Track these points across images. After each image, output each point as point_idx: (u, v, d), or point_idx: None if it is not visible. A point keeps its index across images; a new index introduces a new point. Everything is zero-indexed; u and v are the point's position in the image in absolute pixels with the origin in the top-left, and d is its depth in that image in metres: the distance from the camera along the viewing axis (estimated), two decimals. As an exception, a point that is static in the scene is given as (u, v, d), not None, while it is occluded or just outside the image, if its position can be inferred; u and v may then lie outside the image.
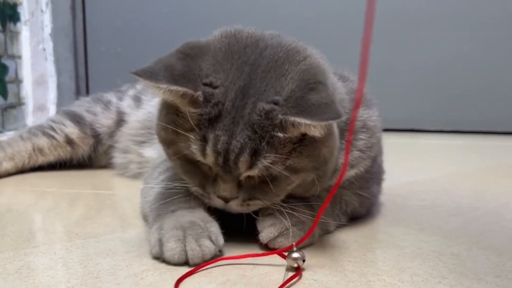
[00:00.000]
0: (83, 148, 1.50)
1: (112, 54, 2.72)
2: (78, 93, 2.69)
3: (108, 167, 1.53)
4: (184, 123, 0.81)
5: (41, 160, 1.49)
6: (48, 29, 2.45)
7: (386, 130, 2.80)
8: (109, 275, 0.76)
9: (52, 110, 2.48)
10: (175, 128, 0.82)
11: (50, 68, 2.48)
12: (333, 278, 0.77)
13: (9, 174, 1.45)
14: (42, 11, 2.42)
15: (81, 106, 1.55)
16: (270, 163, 0.79)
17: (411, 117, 2.66)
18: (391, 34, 2.60)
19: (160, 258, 0.81)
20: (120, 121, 1.51)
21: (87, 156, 1.52)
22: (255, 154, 0.79)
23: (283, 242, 0.86)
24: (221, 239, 0.83)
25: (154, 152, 1.36)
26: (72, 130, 1.48)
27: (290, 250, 0.80)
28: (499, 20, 2.53)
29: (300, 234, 0.87)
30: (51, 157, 1.49)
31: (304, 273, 0.78)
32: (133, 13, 2.69)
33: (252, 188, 0.84)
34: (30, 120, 2.36)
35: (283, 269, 0.80)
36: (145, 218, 0.99)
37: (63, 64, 2.59)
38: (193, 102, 0.80)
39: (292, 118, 0.77)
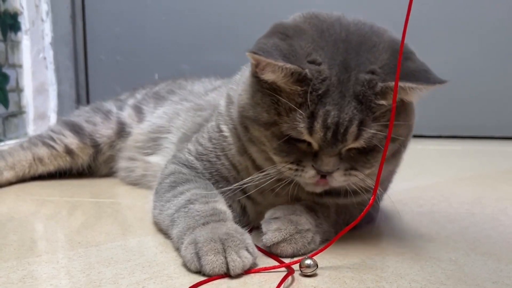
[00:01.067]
0: (83, 158, 1.51)
1: (111, 62, 2.74)
2: (78, 101, 2.71)
3: (108, 176, 1.54)
4: (286, 103, 0.83)
5: (41, 169, 1.50)
6: (48, 38, 2.47)
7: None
8: (111, 284, 0.77)
9: (52, 118, 2.49)
10: (277, 107, 0.84)
11: (50, 76, 2.50)
12: (332, 285, 0.78)
13: (10, 183, 1.46)
14: (42, 20, 2.44)
15: (81, 116, 1.56)
16: (373, 133, 0.83)
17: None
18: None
19: (199, 272, 0.80)
20: (120, 131, 1.52)
21: (87, 166, 1.53)
22: (361, 125, 0.82)
23: (285, 248, 0.88)
24: (256, 250, 0.85)
25: (160, 158, 1.37)
26: (71, 140, 1.49)
27: (303, 258, 0.81)
28: (498, 26, 2.55)
29: (303, 242, 0.89)
30: (51, 167, 1.50)
31: (304, 280, 0.79)
32: (132, 21, 2.71)
33: (351, 159, 0.87)
34: (31, 128, 2.37)
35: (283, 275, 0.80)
36: (163, 230, 0.98)
37: (63, 73, 2.60)
38: (300, 80, 0.82)
39: (391, 84, 0.81)
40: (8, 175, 1.45)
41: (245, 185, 0.95)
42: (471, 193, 1.45)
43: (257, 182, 0.93)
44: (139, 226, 1.09)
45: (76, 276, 0.81)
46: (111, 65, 2.74)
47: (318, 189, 0.92)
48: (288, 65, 0.81)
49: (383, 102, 0.82)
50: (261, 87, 0.87)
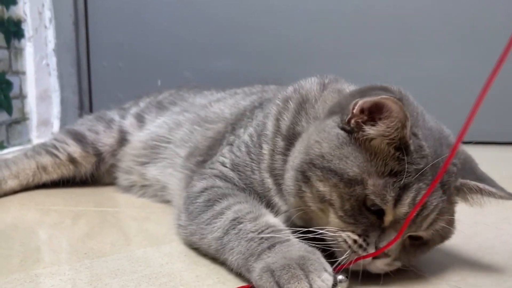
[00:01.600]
0: (86, 167, 1.52)
1: (114, 68, 2.75)
2: (81, 108, 2.72)
3: (111, 184, 1.55)
4: (382, 165, 0.79)
5: (45, 178, 1.51)
6: (51, 45, 2.48)
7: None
8: (118, 296, 0.78)
9: (56, 125, 2.50)
10: (369, 168, 0.80)
11: (53, 83, 2.51)
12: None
13: (14, 191, 1.47)
14: (45, 27, 2.45)
15: (84, 124, 1.57)
16: (444, 225, 0.83)
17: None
18: (389, 45, 2.63)
19: None
20: (122, 140, 1.52)
21: (90, 174, 1.54)
22: (439, 214, 0.81)
23: None
24: (330, 267, 0.79)
25: (159, 171, 1.37)
26: (74, 149, 1.50)
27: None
28: (501, 31, 2.55)
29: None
30: (54, 175, 1.51)
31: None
32: (134, 29, 2.72)
33: (402, 250, 0.83)
34: (34, 135, 2.38)
35: None
36: (212, 255, 0.91)
37: (66, 79, 2.61)
38: (400, 147, 0.79)
39: (473, 183, 0.85)
40: (12, 183, 1.46)
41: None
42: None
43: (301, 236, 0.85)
44: (144, 236, 1.10)
45: (83, 288, 0.81)
46: (113, 72, 2.75)
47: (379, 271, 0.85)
48: (402, 114, 0.77)
49: (456, 197, 0.85)
50: (353, 141, 0.82)
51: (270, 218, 0.88)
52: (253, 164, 1.01)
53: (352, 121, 0.82)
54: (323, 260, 0.79)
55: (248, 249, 0.81)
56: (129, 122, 1.54)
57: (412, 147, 0.79)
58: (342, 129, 0.84)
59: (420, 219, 0.80)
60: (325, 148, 0.84)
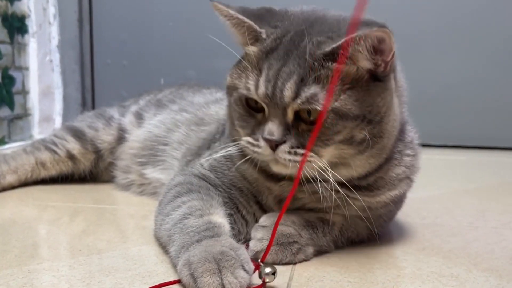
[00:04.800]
0: (85, 164, 1.51)
1: (118, 66, 2.75)
2: (84, 105, 2.72)
3: (110, 182, 1.54)
4: (246, 65, 0.89)
5: (43, 174, 1.50)
6: (55, 41, 2.48)
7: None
8: (110, 294, 0.77)
9: (58, 121, 2.50)
10: (237, 69, 0.91)
11: (56, 79, 2.51)
12: (332, 299, 0.78)
13: (12, 187, 1.47)
14: (49, 23, 2.45)
15: (83, 121, 1.56)
16: (313, 94, 0.82)
17: (415, 132, 2.65)
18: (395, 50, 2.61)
19: None
20: (121, 137, 1.52)
21: (89, 171, 1.53)
22: (301, 82, 0.83)
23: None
24: (251, 265, 0.81)
25: (159, 173, 1.36)
26: (73, 145, 1.50)
27: (261, 266, 0.81)
28: (505, 37, 2.53)
29: (284, 253, 0.91)
30: (53, 172, 1.51)
31: (304, 294, 0.79)
32: (139, 26, 2.72)
33: (299, 135, 0.86)
34: (36, 131, 2.38)
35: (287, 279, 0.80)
36: (163, 245, 0.95)
37: (69, 76, 2.61)
38: (256, 39, 0.89)
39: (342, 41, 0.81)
40: (11, 179, 1.45)
41: (218, 155, 1.00)
42: (475, 205, 1.44)
43: (230, 153, 0.96)
44: (140, 234, 1.09)
45: (76, 285, 0.80)
46: (117, 69, 2.75)
47: (281, 169, 0.89)
48: (241, 17, 0.88)
49: (334, 66, 0.82)
50: (240, 58, 0.93)
51: (215, 217, 0.91)
52: (228, 162, 1.04)
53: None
54: (244, 256, 0.81)
55: (181, 242, 0.85)
56: (128, 120, 1.53)
57: (263, 36, 0.89)
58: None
59: (280, 89, 0.84)
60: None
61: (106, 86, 2.76)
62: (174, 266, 0.85)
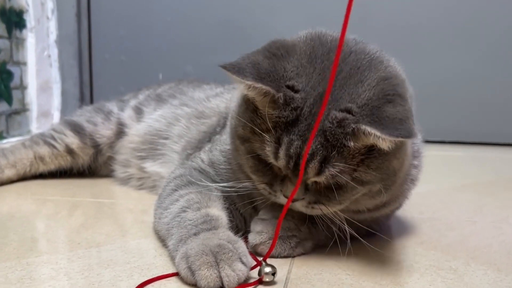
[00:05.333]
0: (83, 158, 1.51)
1: (116, 61, 2.74)
2: (82, 100, 2.71)
3: (109, 176, 1.54)
4: (261, 123, 0.82)
5: (42, 168, 1.50)
6: (53, 36, 2.47)
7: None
8: (109, 286, 0.77)
9: (56, 116, 2.49)
10: (252, 126, 0.83)
11: (54, 74, 2.50)
12: (331, 291, 0.78)
13: (11, 181, 1.47)
14: (48, 18, 2.44)
15: (82, 115, 1.56)
16: (338, 172, 0.80)
17: (413, 128, 2.66)
18: (392, 45, 2.61)
19: (195, 285, 0.77)
20: (120, 132, 1.51)
21: (87, 166, 1.53)
22: (324, 162, 0.79)
23: (264, 250, 0.89)
24: (250, 258, 0.82)
25: (158, 167, 1.36)
26: (72, 140, 1.49)
27: (261, 265, 0.80)
28: (503, 33, 2.54)
29: (283, 247, 0.91)
30: (51, 166, 1.50)
31: (303, 285, 0.79)
32: (137, 21, 2.71)
33: (318, 192, 0.85)
34: (34, 126, 2.37)
35: (283, 281, 0.80)
36: (162, 239, 0.95)
37: (67, 71, 2.60)
38: (273, 102, 0.81)
39: (363, 127, 0.76)
40: (9, 173, 1.45)
41: (224, 188, 0.96)
42: (472, 200, 1.44)
43: (237, 189, 0.93)
44: (139, 227, 1.09)
45: (75, 277, 0.81)
46: (115, 65, 2.74)
47: (306, 212, 0.90)
48: (258, 85, 0.79)
49: (353, 143, 0.78)
50: (247, 101, 0.86)
51: (213, 210, 0.91)
52: (226, 163, 1.03)
53: None
54: (242, 249, 0.81)
55: (179, 235, 0.85)
56: (127, 115, 1.53)
57: (281, 101, 0.80)
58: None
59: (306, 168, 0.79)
60: (233, 106, 0.93)
61: (104, 81, 2.75)
62: (173, 259, 0.85)
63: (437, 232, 1.11)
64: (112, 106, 1.57)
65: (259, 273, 0.79)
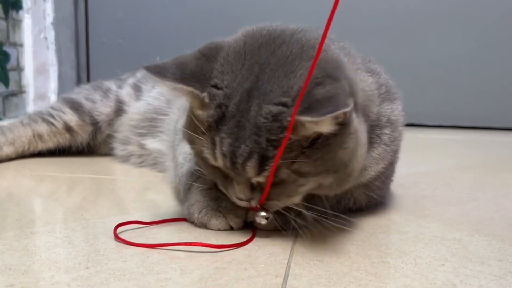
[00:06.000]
0: (82, 136, 1.50)
1: (113, 45, 2.72)
2: (79, 83, 2.69)
3: (108, 155, 1.53)
4: (199, 126, 0.79)
5: (40, 146, 1.49)
6: (50, 18, 2.45)
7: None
8: (115, 253, 0.77)
9: (53, 99, 2.48)
10: (192, 131, 0.81)
11: (51, 57, 2.49)
12: (337, 259, 0.78)
13: (9, 158, 1.46)
14: (44, 0, 2.42)
15: (80, 93, 1.54)
16: (277, 168, 0.76)
17: (411, 112, 2.66)
18: (391, 30, 2.61)
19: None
20: (119, 109, 1.50)
21: (86, 144, 1.52)
22: (263, 159, 0.75)
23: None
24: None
25: (159, 144, 1.36)
26: (70, 117, 1.48)
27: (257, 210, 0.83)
28: (500, 17, 2.54)
29: (285, 219, 0.86)
30: (50, 144, 1.49)
31: (309, 254, 0.79)
32: (135, 5, 2.69)
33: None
34: (31, 108, 2.36)
35: (289, 249, 0.80)
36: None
37: (64, 54, 2.59)
38: (202, 104, 0.78)
39: (298, 118, 0.72)
40: (8, 150, 1.44)
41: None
42: (472, 179, 1.45)
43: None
44: (142, 202, 1.09)
45: (79, 245, 0.80)
46: (112, 48, 2.72)
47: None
48: (179, 85, 0.77)
49: (294, 136, 0.74)
50: (188, 106, 0.85)
51: None
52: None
53: None
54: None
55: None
56: (126, 92, 1.52)
57: (207, 100, 0.78)
58: None
59: (241, 166, 0.76)
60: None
61: (101, 65, 2.74)
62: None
63: (439, 207, 1.12)
64: (111, 84, 1.56)
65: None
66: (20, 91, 2.31)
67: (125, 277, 0.68)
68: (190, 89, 0.78)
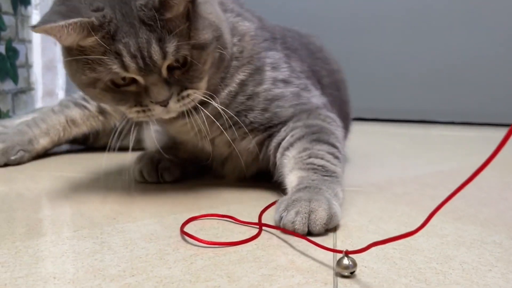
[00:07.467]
0: (116, 117, 1.49)
1: (121, 40, 2.69)
2: (87, 79, 2.66)
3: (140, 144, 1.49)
4: (94, 58, 0.88)
5: (75, 131, 1.50)
6: (58, 14, 2.41)
7: (398, 121, 2.77)
8: (157, 259, 0.75)
9: (60, 95, 2.45)
10: (90, 66, 0.89)
11: (59, 53, 2.45)
12: (382, 265, 0.77)
13: (46, 149, 1.47)
14: (52, -5, 2.38)
15: None
16: (177, 44, 0.89)
17: (422, 108, 2.65)
18: (403, 27, 2.59)
19: None
20: None
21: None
22: (160, 42, 0.87)
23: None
24: None
25: None
26: None
27: (341, 257, 0.72)
28: (510, 12, 2.52)
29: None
30: (84, 128, 1.50)
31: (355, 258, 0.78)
32: None
33: (178, 82, 0.94)
34: (40, 105, 2.33)
35: (331, 254, 0.79)
36: None
37: (72, 50, 2.55)
38: (93, 30, 0.86)
39: None
40: (44, 142, 1.45)
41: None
42: (498, 178, 1.43)
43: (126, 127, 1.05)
44: (175, 204, 1.07)
45: (120, 251, 0.78)
46: (120, 43, 2.69)
47: (173, 114, 0.99)
48: (71, 21, 0.84)
49: (168, 15, 0.88)
50: (71, 56, 0.91)
51: None
52: None
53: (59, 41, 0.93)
54: None
55: None
56: None
57: (96, 23, 0.86)
58: (64, 49, 0.95)
59: (149, 58, 0.88)
60: (68, 74, 0.99)
61: (110, 61, 2.70)
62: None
63: (472, 208, 1.10)
64: None
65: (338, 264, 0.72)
66: (28, 88, 2.28)
67: (174, 285, 0.67)
68: (80, 19, 0.85)
